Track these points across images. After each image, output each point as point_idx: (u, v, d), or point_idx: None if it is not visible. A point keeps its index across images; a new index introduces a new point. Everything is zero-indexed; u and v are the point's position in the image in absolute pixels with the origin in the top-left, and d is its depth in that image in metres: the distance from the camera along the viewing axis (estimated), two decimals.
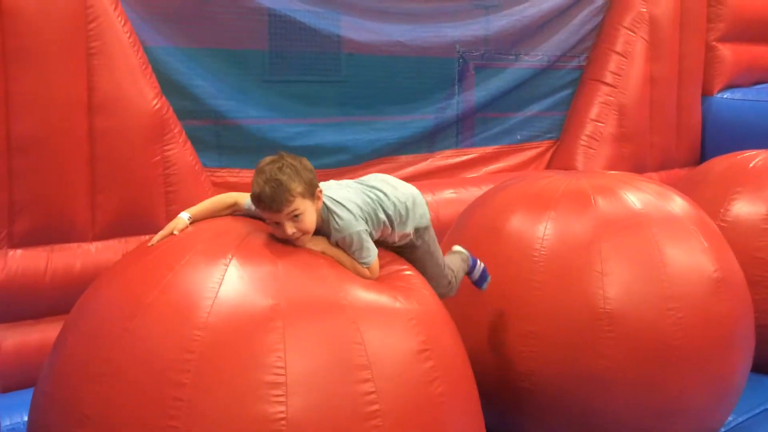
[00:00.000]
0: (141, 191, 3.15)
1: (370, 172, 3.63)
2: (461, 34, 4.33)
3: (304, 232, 1.99)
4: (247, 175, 3.78)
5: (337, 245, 2.08)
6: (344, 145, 3.94)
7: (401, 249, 2.29)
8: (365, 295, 1.95)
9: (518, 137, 4.81)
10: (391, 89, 4.17)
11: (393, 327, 1.89)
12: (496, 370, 2.56)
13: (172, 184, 3.22)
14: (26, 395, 2.18)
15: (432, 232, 2.32)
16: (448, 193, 3.96)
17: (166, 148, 3.19)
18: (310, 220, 1.98)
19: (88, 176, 3.02)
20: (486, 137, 4.65)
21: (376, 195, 2.15)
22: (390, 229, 2.17)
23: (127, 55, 3.05)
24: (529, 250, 2.55)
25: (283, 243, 2.03)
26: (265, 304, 1.81)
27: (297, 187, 1.93)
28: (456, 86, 4.42)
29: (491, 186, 3.13)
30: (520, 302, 2.51)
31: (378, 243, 2.14)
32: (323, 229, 2.08)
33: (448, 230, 3.02)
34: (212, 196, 3.27)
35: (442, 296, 2.26)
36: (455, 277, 2.43)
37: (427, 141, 4.33)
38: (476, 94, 4.54)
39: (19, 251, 2.91)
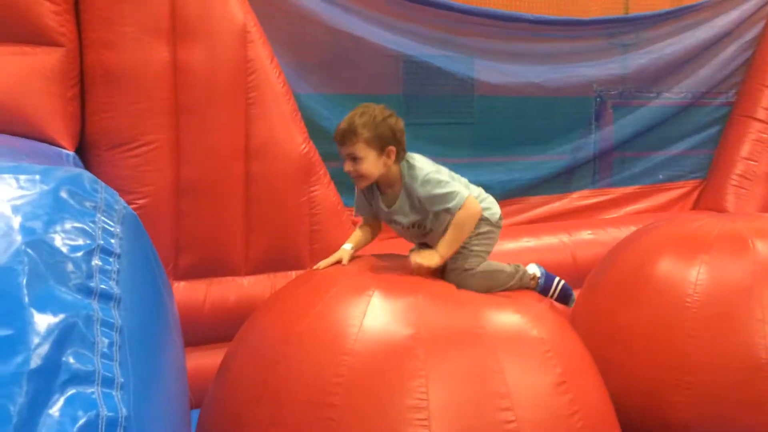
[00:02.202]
0: (288, 230, 3.36)
1: (505, 212, 3.67)
2: (598, 73, 4.29)
3: (360, 176, 2.22)
4: None
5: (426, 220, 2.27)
6: (480, 186, 3.99)
7: None
8: (503, 324, 1.98)
9: (660, 177, 4.64)
10: (524, 130, 4.20)
11: (531, 357, 1.91)
12: (642, 416, 2.46)
13: (316, 223, 3.42)
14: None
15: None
16: (586, 234, 3.88)
17: (311, 189, 3.40)
18: (368, 167, 2.19)
19: (243, 216, 3.28)
20: (625, 177, 4.53)
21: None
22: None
23: (280, 104, 3.32)
24: (681, 295, 2.46)
25: (422, 277, 2.13)
26: (406, 332, 1.89)
27: (364, 133, 2.15)
28: (593, 125, 4.37)
29: (632, 227, 3.07)
30: (671, 350, 2.41)
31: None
32: (404, 193, 2.26)
33: (587, 272, 2.97)
34: (352, 234, 3.45)
35: None
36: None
37: (563, 181, 4.29)
38: (614, 132, 4.46)
39: (182, 283, 3.20)
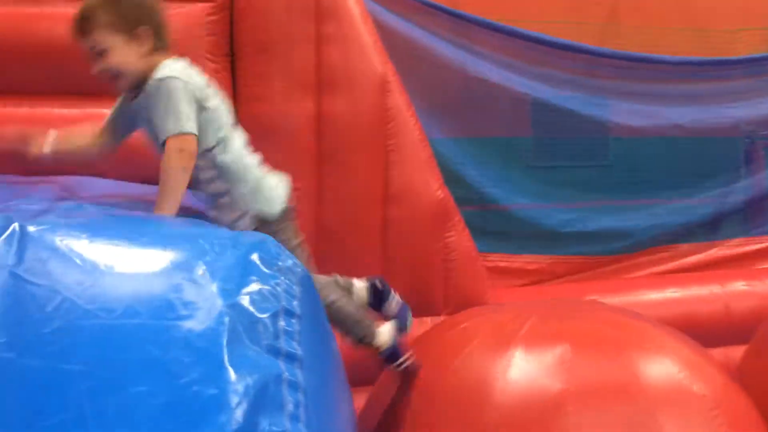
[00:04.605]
0: (423, 275, 3.38)
1: (649, 260, 3.51)
2: (747, 114, 4.05)
3: (115, 74, 1.73)
4: (516, 260, 3.89)
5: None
6: (622, 231, 3.87)
7: None
8: (660, 379, 1.87)
9: None
10: (665, 173, 4.02)
11: (693, 417, 1.78)
12: None
13: (451, 269, 3.41)
14: None
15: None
16: (740, 286, 3.63)
17: (447, 235, 3.41)
18: (120, 58, 1.72)
19: (379, 260, 3.34)
20: None
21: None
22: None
23: (417, 150, 3.38)
24: None
25: (568, 326, 2.05)
26: (555, 388, 1.83)
27: (102, 15, 1.71)
28: (742, 169, 4.12)
29: None
30: None
31: None
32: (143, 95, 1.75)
33: (742, 326, 2.77)
34: (487, 281, 3.41)
35: None
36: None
37: (711, 228, 4.05)
38: None
39: None
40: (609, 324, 2.13)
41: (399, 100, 3.33)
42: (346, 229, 3.27)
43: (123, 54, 1.74)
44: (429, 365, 2.08)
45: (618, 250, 3.84)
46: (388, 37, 3.39)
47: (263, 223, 1.85)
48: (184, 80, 1.73)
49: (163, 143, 1.69)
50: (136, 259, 1.20)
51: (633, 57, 3.82)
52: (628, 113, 3.96)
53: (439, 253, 3.38)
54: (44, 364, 1.03)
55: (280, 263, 1.31)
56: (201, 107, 1.79)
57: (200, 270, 1.21)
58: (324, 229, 3.25)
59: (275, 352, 1.20)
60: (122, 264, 1.19)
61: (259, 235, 1.38)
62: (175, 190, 1.64)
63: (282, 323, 1.23)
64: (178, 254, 1.24)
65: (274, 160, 3.17)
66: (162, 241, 1.26)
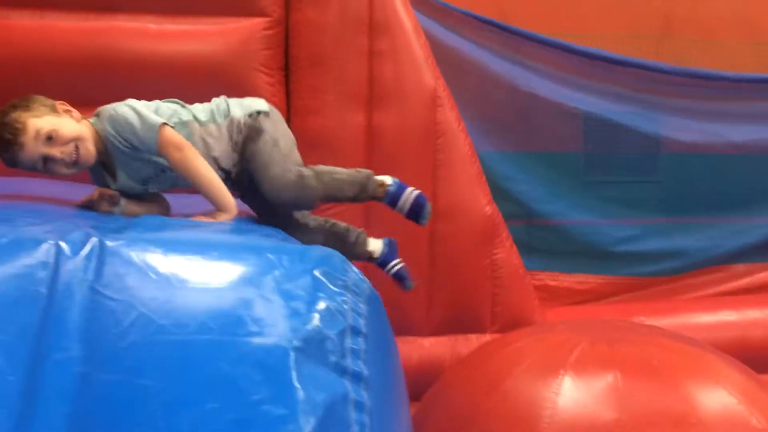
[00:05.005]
0: (470, 292, 3.36)
1: (703, 281, 3.42)
2: None
3: (75, 140, 1.68)
4: (566, 279, 3.83)
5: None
6: (674, 251, 3.78)
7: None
8: (716, 410, 1.82)
9: None
10: (721, 191, 3.92)
11: None
12: None
13: (498, 286, 3.38)
14: None
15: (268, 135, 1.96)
16: None
17: (494, 251, 3.38)
18: (69, 128, 1.69)
19: (428, 275, 3.33)
20: None
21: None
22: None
23: (466, 165, 3.37)
24: None
25: (620, 351, 2.00)
26: (607, 417, 1.79)
27: (23, 114, 1.67)
28: None
29: None
30: None
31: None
32: (111, 152, 1.74)
33: None
34: (535, 300, 3.37)
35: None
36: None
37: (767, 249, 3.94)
38: None
39: None
40: (662, 349, 2.08)
41: (449, 114, 3.33)
42: None
43: (69, 124, 1.74)
44: (478, 384, 2.06)
45: (670, 271, 3.76)
46: (440, 52, 3.40)
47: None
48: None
49: (157, 153, 1.74)
50: (207, 274, 1.22)
51: (690, 73, 3.74)
52: (683, 129, 3.88)
53: (486, 270, 3.36)
54: (120, 379, 1.05)
55: (346, 279, 1.32)
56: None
57: (269, 285, 1.22)
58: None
59: (342, 371, 1.20)
60: (194, 278, 1.21)
61: (326, 250, 1.38)
62: (209, 179, 1.74)
63: (348, 342, 1.23)
64: (248, 269, 1.25)
65: None
66: (232, 255, 1.28)
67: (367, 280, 1.40)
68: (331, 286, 1.29)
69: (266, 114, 2.05)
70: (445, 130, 3.32)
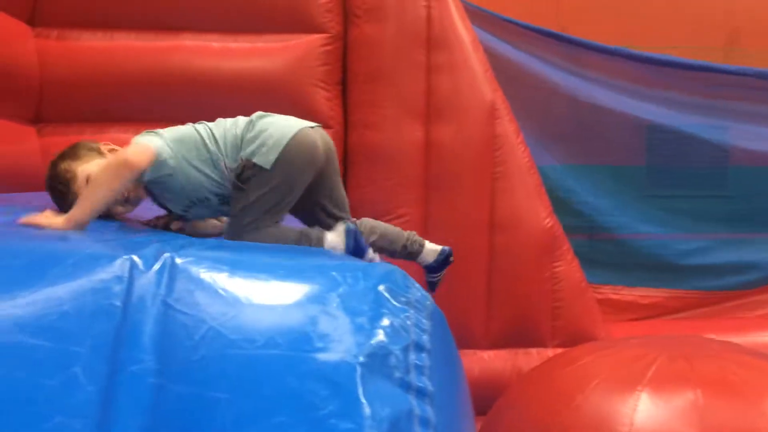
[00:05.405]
0: (530, 305, 3.31)
1: None
2: None
3: (131, 189, 1.68)
4: (629, 293, 3.74)
5: None
6: (743, 265, 3.64)
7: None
8: None
9: None
10: None
11: None
12: None
13: (559, 299, 3.32)
14: None
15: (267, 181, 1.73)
16: None
17: (555, 264, 3.33)
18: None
19: (485, 289, 3.30)
20: None
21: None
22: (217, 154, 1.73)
23: (525, 178, 3.33)
24: None
25: (699, 368, 1.94)
26: None
27: (71, 163, 1.70)
28: None
29: None
30: None
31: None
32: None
33: None
34: (598, 314, 3.29)
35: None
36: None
37: None
38: None
39: None
40: (742, 366, 2.00)
41: (508, 127, 3.30)
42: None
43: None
44: (547, 400, 2.01)
45: (739, 286, 3.62)
46: (499, 65, 3.38)
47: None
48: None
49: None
50: (273, 292, 1.24)
51: (760, 73, 3.59)
52: (751, 139, 3.75)
53: (547, 283, 3.31)
54: (192, 391, 1.07)
55: (408, 295, 1.32)
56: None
57: (334, 302, 1.23)
58: None
59: (406, 386, 1.19)
60: (261, 296, 1.23)
61: (388, 266, 1.39)
62: (94, 194, 1.64)
63: (412, 357, 1.23)
64: (313, 286, 1.26)
65: (383, 185, 3.24)
66: (297, 273, 1.29)
67: (430, 297, 1.39)
68: (395, 302, 1.28)
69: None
70: (504, 143, 3.30)
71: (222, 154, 1.75)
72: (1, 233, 1.40)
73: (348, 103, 3.23)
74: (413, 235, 2.06)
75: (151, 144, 1.69)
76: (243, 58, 3.08)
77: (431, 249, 2.07)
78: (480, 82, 3.26)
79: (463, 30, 3.23)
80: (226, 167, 1.74)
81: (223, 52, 3.06)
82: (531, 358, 3.24)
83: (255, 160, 1.72)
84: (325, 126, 3.14)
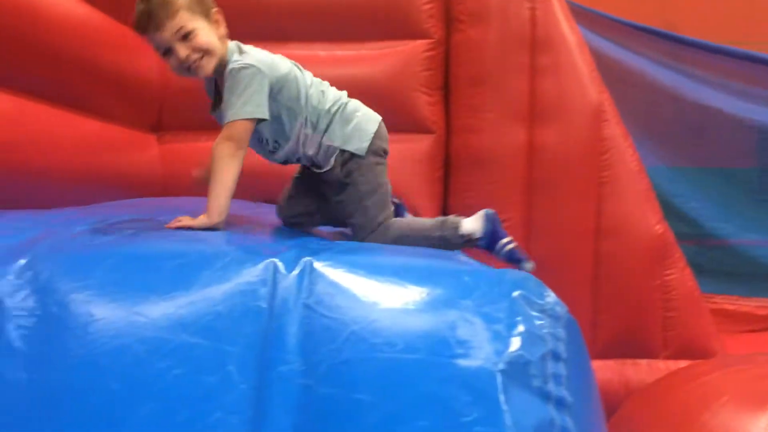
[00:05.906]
0: (639, 314, 3.19)
1: None
2: None
3: (204, 52, 1.67)
4: (745, 303, 3.55)
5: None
6: None
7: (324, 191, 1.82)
8: None
9: None
10: None
11: None
12: None
13: (670, 309, 3.19)
14: None
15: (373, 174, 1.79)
16: None
17: (666, 272, 3.19)
18: (207, 38, 1.67)
19: (590, 296, 3.21)
20: None
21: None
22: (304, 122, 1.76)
23: (634, 182, 3.22)
24: None
25: None
26: None
27: (181, 3, 1.63)
28: None
29: None
30: None
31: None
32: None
33: None
34: (713, 325, 3.13)
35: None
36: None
37: None
38: None
39: None
40: None
41: (615, 130, 3.20)
42: (555, 261, 3.17)
43: (209, 34, 1.71)
44: (669, 417, 1.94)
45: None
46: (605, 66, 3.29)
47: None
48: (264, 71, 1.74)
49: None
50: (410, 296, 1.24)
51: None
52: None
53: (657, 292, 3.17)
54: (338, 393, 1.09)
55: (543, 303, 1.29)
56: (278, 93, 1.79)
57: (470, 308, 1.23)
58: (532, 260, 3.18)
59: (545, 396, 1.17)
60: (398, 300, 1.23)
61: (522, 273, 1.37)
62: (223, 182, 1.64)
63: (550, 367, 1.21)
64: (448, 291, 1.26)
65: (485, 190, 3.21)
66: (431, 278, 1.30)
67: (565, 306, 1.36)
68: (530, 310, 1.27)
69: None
70: (611, 146, 3.20)
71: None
72: (146, 236, 1.47)
73: (450, 107, 3.22)
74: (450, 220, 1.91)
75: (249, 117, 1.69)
76: (348, 66, 3.13)
77: (470, 221, 1.90)
78: (585, 83, 3.18)
79: (568, 30, 3.16)
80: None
81: (330, 60, 3.12)
82: (640, 369, 3.12)
83: (349, 148, 1.79)
84: (428, 131, 3.18)
